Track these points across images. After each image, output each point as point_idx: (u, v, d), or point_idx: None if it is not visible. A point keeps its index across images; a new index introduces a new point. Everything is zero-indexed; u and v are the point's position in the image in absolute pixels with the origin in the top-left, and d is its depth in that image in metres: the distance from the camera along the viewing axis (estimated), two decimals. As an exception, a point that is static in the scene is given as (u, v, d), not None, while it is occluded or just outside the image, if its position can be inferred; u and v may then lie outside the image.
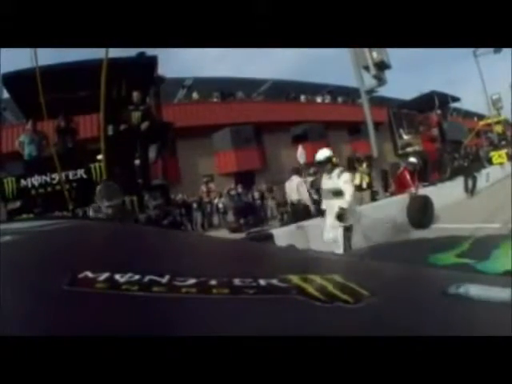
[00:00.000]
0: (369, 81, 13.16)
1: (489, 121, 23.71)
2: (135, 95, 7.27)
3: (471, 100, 43.19)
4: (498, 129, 23.01)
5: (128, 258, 0.84)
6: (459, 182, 13.06)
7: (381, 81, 12.95)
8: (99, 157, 6.43)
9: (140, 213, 6.29)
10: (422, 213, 8.98)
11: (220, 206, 13.49)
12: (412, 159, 11.49)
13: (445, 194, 11.05)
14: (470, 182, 13.12)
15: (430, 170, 13.64)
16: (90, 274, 0.65)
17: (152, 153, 7.26)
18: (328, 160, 5.53)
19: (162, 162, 7.94)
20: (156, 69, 7.70)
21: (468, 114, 26.09)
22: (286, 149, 19.15)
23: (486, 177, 15.07)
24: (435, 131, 16.30)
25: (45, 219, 1.48)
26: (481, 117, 26.06)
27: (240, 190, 13.22)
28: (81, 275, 0.65)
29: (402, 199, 9.67)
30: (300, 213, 8.25)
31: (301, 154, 10.04)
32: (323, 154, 5.61)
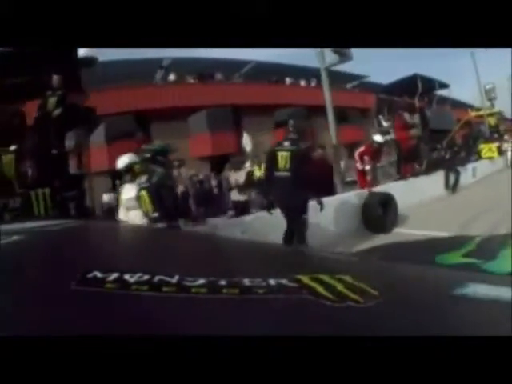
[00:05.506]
0: (330, 56, 11.15)
1: (481, 112, 23.26)
2: (54, 79, 6.98)
3: (464, 89, 43.09)
4: (492, 121, 22.46)
5: (136, 258, 0.85)
6: (438, 176, 12.25)
7: (343, 56, 11.07)
8: (12, 147, 6.26)
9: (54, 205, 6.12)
10: (379, 214, 8.08)
11: (178, 193, 12.46)
12: (376, 137, 10.42)
13: (418, 191, 10.27)
14: (451, 177, 12.42)
15: (401, 162, 12.78)
16: (99, 274, 0.66)
17: (70, 141, 7.04)
18: (129, 168, 5.02)
19: (79, 150, 7.70)
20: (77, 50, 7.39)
21: (460, 104, 25.15)
22: (268, 134, 19.00)
23: (473, 172, 14.63)
24: (408, 116, 15.11)
25: (52, 219, 1.49)
26: (476, 108, 25.18)
27: (202, 176, 12.27)
28: (90, 275, 0.66)
29: (359, 196, 8.63)
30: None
31: (246, 141, 9.50)
32: (123, 161, 5.07)
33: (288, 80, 22.24)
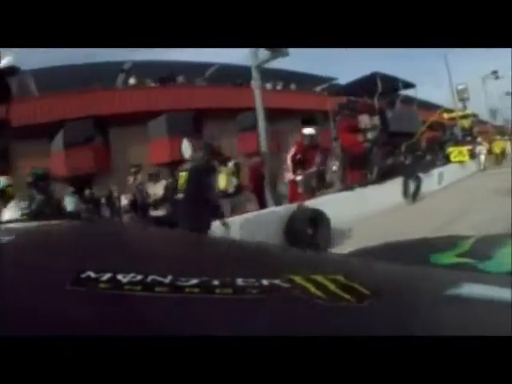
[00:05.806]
0: (262, 53, 10.45)
1: (453, 114, 22.63)
2: None
3: (435, 89, 43.55)
4: (465, 123, 21.80)
5: (130, 258, 0.86)
6: (393, 184, 11.37)
7: (277, 52, 10.31)
8: None
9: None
10: (306, 234, 7.19)
11: (124, 202, 11.98)
12: (306, 129, 9.25)
13: (367, 202, 9.32)
14: (411, 185, 11.61)
15: (346, 170, 11.84)
16: (92, 274, 0.67)
17: None
18: (1, 192, 5.06)
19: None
20: None
21: (430, 105, 24.57)
22: (230, 138, 18.93)
23: (439, 177, 14.10)
24: (367, 118, 13.75)
25: (45, 219, 1.48)
26: (448, 110, 24.46)
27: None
28: (83, 275, 0.67)
29: (288, 210, 7.59)
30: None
31: (186, 147, 9.02)
32: None
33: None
